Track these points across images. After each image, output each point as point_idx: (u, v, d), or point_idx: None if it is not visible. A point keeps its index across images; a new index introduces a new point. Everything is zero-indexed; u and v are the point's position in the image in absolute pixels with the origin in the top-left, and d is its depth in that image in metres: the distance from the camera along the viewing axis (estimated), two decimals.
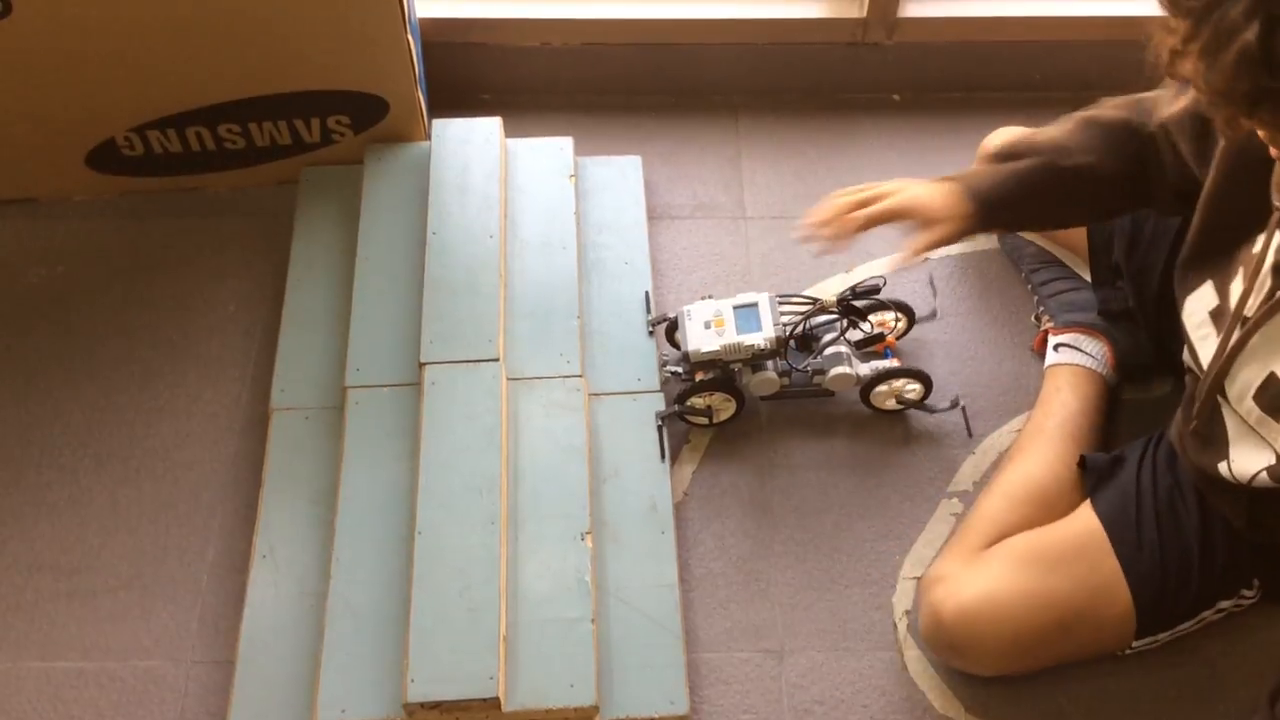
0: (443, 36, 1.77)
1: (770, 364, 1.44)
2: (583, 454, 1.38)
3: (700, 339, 1.43)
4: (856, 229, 1.27)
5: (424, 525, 1.29)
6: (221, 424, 1.48)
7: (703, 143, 1.81)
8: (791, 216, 1.70)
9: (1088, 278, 1.50)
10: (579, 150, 1.70)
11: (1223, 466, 1.14)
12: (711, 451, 1.47)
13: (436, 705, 1.17)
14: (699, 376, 1.44)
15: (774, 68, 1.84)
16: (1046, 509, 1.31)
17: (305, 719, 1.22)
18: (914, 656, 1.31)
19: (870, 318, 1.48)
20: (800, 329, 1.44)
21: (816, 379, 1.44)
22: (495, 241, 1.55)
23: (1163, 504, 1.24)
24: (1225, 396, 1.11)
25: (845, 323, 1.45)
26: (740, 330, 1.42)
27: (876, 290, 1.46)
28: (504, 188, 1.62)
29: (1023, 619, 1.21)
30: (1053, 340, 1.48)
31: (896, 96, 1.87)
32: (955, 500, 1.42)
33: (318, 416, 1.45)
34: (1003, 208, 1.25)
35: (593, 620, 1.25)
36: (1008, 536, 1.28)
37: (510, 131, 1.68)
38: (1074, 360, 1.45)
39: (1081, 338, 1.45)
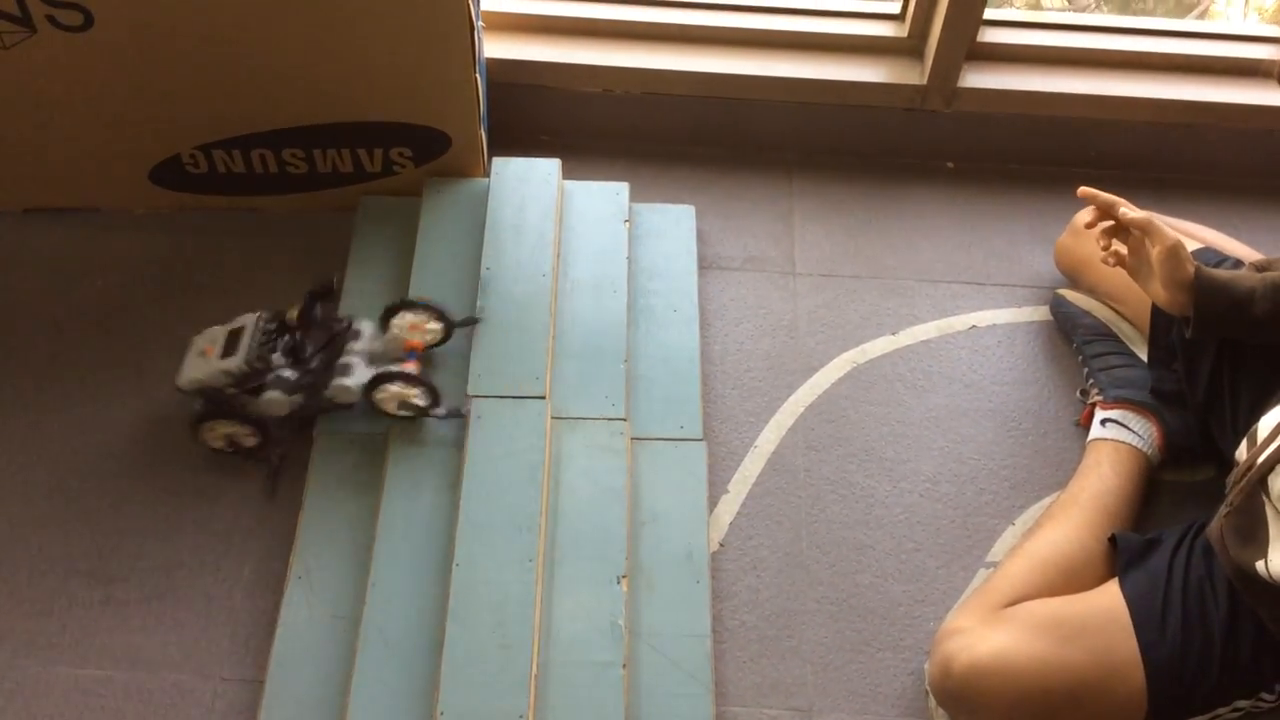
0: (507, 77, 1.79)
1: (276, 385, 1.40)
2: (622, 497, 1.39)
3: (190, 368, 1.41)
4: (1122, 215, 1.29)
5: (462, 558, 1.29)
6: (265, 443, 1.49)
7: (756, 197, 1.82)
8: (840, 275, 1.71)
9: (1140, 354, 1.50)
10: (633, 196, 1.72)
11: (1260, 565, 1.13)
12: (750, 502, 1.47)
13: None
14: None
15: (830, 128, 1.86)
16: (1070, 578, 1.30)
17: None
18: None
19: (399, 320, 1.46)
20: (284, 346, 1.42)
21: (326, 395, 1.42)
22: (547, 280, 1.56)
23: (1192, 593, 1.23)
24: (1269, 494, 1.10)
25: (347, 334, 1.44)
26: (223, 355, 1.40)
27: (330, 289, 1.46)
28: (559, 228, 1.63)
29: (1033, 683, 1.20)
30: (1100, 414, 1.47)
31: (950, 164, 1.88)
32: (992, 570, 1.41)
33: (361, 441, 1.45)
34: (1221, 294, 1.25)
35: (624, 665, 1.25)
36: (1028, 599, 1.28)
37: (567, 173, 1.70)
38: (1119, 436, 1.44)
39: (1130, 415, 1.45)
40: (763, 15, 1.83)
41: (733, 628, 1.36)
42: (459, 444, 1.41)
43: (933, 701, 1.30)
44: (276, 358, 1.41)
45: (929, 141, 1.86)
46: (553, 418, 1.44)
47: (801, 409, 1.56)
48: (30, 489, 1.44)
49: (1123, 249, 1.32)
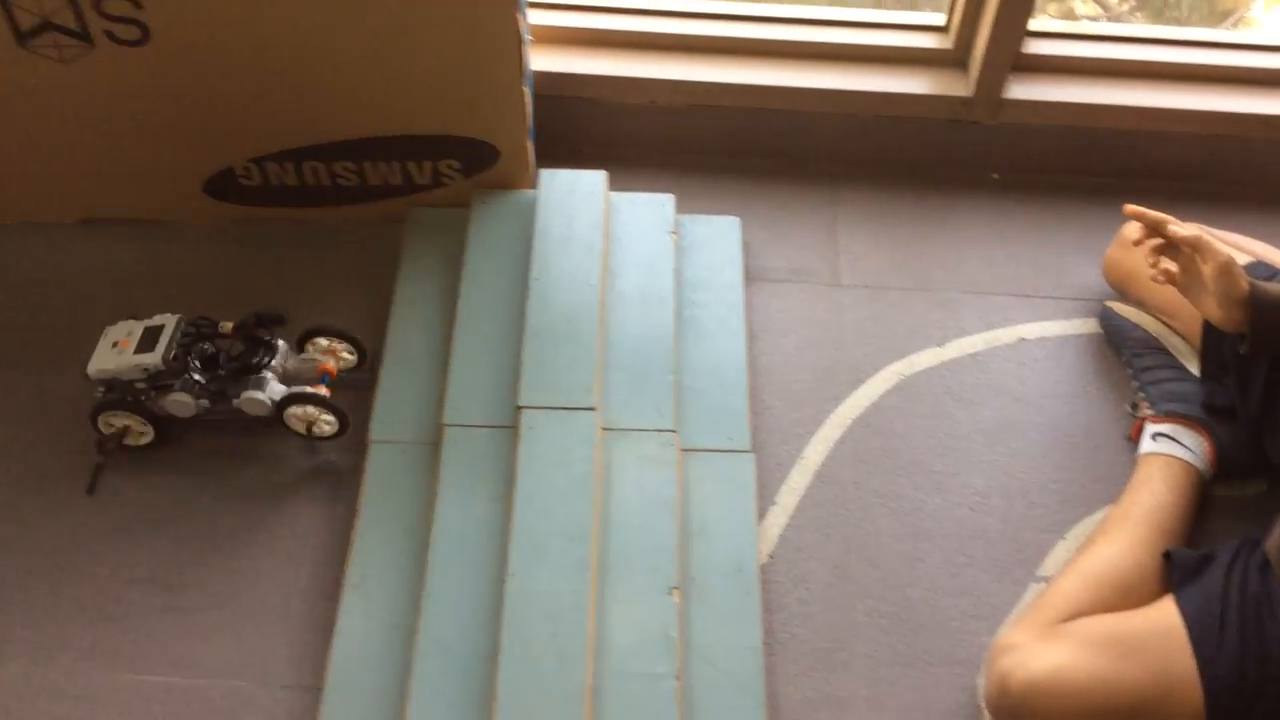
0: (553, 90, 1.81)
1: (185, 387, 1.43)
2: (673, 508, 1.39)
3: (102, 358, 1.44)
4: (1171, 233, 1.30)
5: (515, 568, 1.30)
6: (320, 453, 1.51)
7: (801, 208, 1.83)
8: (886, 287, 1.72)
9: (1191, 367, 1.50)
10: (679, 208, 1.73)
11: None
12: (799, 514, 1.47)
13: None
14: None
15: (875, 139, 1.86)
16: (1124, 595, 1.30)
17: None
18: None
19: (318, 342, 1.51)
20: (201, 352, 1.45)
21: (234, 403, 1.45)
22: (595, 292, 1.57)
23: (1249, 610, 1.23)
24: None
25: (264, 350, 1.47)
26: (138, 350, 1.43)
27: (280, 320, 1.48)
28: (606, 239, 1.65)
29: (1089, 701, 1.20)
30: (1151, 429, 1.47)
31: (996, 175, 1.88)
32: (1044, 585, 1.41)
33: (414, 451, 1.47)
34: (1276, 309, 1.26)
35: (677, 677, 1.26)
36: (1082, 616, 1.28)
37: (613, 185, 1.71)
38: (1170, 451, 1.44)
39: (1181, 429, 1.45)
40: (807, 28, 1.83)
41: (784, 640, 1.37)
42: (509, 455, 1.42)
43: (987, 717, 1.30)
44: (193, 363, 1.44)
45: (974, 153, 1.86)
46: (602, 429, 1.45)
47: (849, 421, 1.57)
48: (91, 498, 1.46)
49: (1172, 266, 1.32)
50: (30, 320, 1.64)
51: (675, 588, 1.32)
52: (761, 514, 1.47)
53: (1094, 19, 2.49)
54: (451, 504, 1.39)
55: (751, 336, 1.64)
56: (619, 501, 1.39)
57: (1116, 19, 2.53)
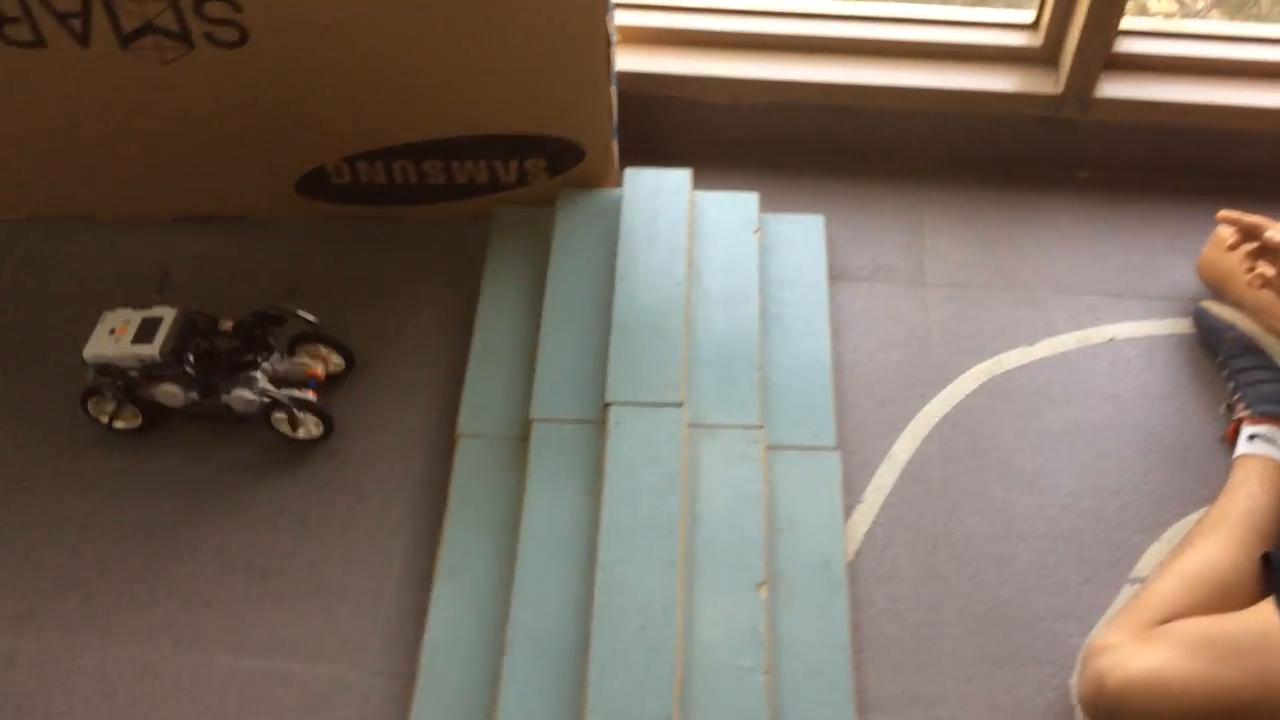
0: (637, 89, 1.82)
1: (178, 379, 1.46)
2: (760, 504, 1.40)
3: (99, 343, 1.46)
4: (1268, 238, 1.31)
5: (605, 561, 1.31)
6: (409, 445, 1.53)
7: (885, 206, 1.82)
8: (973, 286, 1.71)
9: None
10: (763, 206, 1.73)
11: None
12: (886, 512, 1.47)
13: None
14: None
15: (961, 137, 1.85)
16: (1221, 597, 1.28)
17: None
18: None
19: (306, 348, 1.54)
20: (197, 347, 1.47)
21: (224, 398, 1.46)
22: (681, 290, 1.58)
23: None
24: None
25: (259, 349, 1.49)
26: (136, 340, 1.44)
27: (279, 319, 1.50)
28: (690, 238, 1.65)
29: (1189, 703, 1.18)
30: (1247, 430, 1.45)
31: (1084, 173, 1.86)
32: (1138, 587, 1.39)
33: (502, 445, 1.49)
34: None
35: (766, 672, 1.26)
36: (1179, 618, 1.26)
37: (697, 184, 1.72)
38: (1267, 453, 1.42)
39: (1278, 431, 1.42)
40: (893, 25, 1.83)
41: (872, 637, 1.36)
42: (597, 450, 1.43)
43: (1079, 717, 1.29)
44: (188, 356, 1.47)
45: (1062, 151, 1.84)
46: (689, 425, 1.46)
47: (936, 420, 1.56)
48: (189, 485, 1.50)
49: (1269, 270, 1.30)
50: None
51: (763, 583, 1.33)
52: (848, 511, 1.46)
53: (1169, 16, 2.45)
54: (540, 497, 1.40)
55: (836, 335, 1.64)
56: (706, 497, 1.40)
57: (1193, 16, 2.49)
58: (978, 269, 1.73)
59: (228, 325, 1.51)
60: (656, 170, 1.72)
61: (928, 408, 1.57)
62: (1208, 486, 1.46)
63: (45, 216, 1.80)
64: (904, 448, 1.53)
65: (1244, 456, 1.44)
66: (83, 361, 1.48)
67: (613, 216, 1.68)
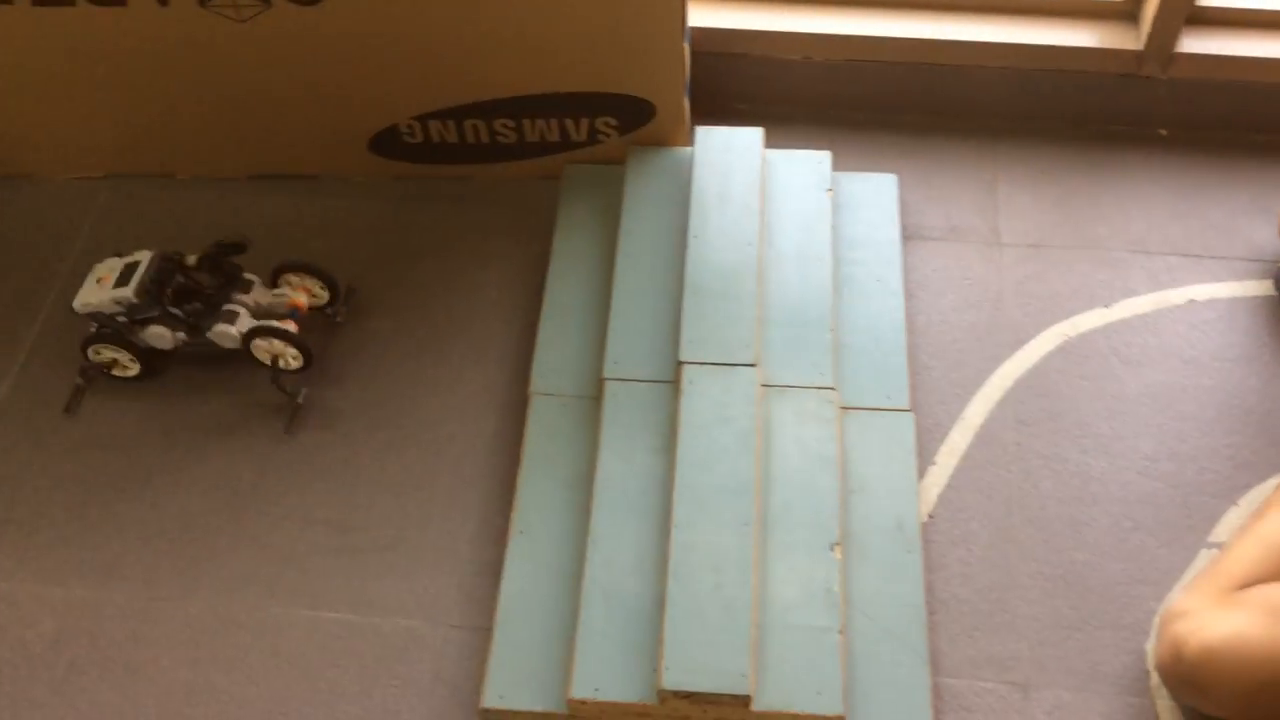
0: (707, 46, 1.81)
1: (162, 320, 1.48)
2: (833, 465, 1.40)
3: (86, 292, 1.49)
4: None
5: (680, 519, 1.32)
6: (482, 403, 1.55)
7: (959, 165, 1.80)
8: (1049, 245, 1.68)
9: None
10: (835, 165, 1.71)
11: None
12: (959, 475, 1.46)
13: (689, 695, 1.20)
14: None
15: (1038, 94, 1.82)
16: None
17: (558, 693, 1.26)
18: (1167, 706, 1.28)
19: (290, 279, 1.56)
20: (174, 285, 1.49)
21: (208, 337, 1.48)
22: (753, 249, 1.57)
23: None
24: None
25: (234, 282, 1.51)
26: (116, 285, 1.47)
27: (241, 247, 1.51)
28: (762, 197, 1.64)
29: (1266, 669, 1.17)
30: None
31: (1164, 131, 1.83)
32: (1215, 551, 1.38)
33: (574, 404, 1.49)
34: None
35: (840, 631, 1.26)
36: (1259, 583, 1.24)
37: (768, 142, 1.71)
38: None
39: None
40: None
41: (945, 599, 1.36)
42: (670, 409, 1.44)
43: (1155, 680, 1.28)
44: (164, 295, 1.49)
45: (1143, 108, 1.81)
46: (762, 385, 1.45)
47: (1010, 382, 1.55)
48: (268, 441, 1.53)
49: None
50: None
51: (836, 544, 1.33)
52: (921, 473, 1.46)
53: None
54: (613, 455, 1.41)
55: (909, 295, 1.63)
56: (779, 457, 1.40)
57: None
58: (1054, 229, 1.71)
59: (192, 260, 1.54)
60: (728, 129, 1.71)
61: (1002, 369, 1.56)
62: None
63: (123, 175, 1.83)
64: (978, 410, 1.52)
65: None
66: (74, 312, 1.52)
67: (683, 175, 1.68)
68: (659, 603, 1.28)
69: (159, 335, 1.51)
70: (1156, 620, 1.32)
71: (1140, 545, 1.40)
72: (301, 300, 1.55)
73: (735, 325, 1.49)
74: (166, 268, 1.52)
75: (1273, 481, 1.43)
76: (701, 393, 1.43)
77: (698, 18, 1.79)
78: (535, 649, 1.30)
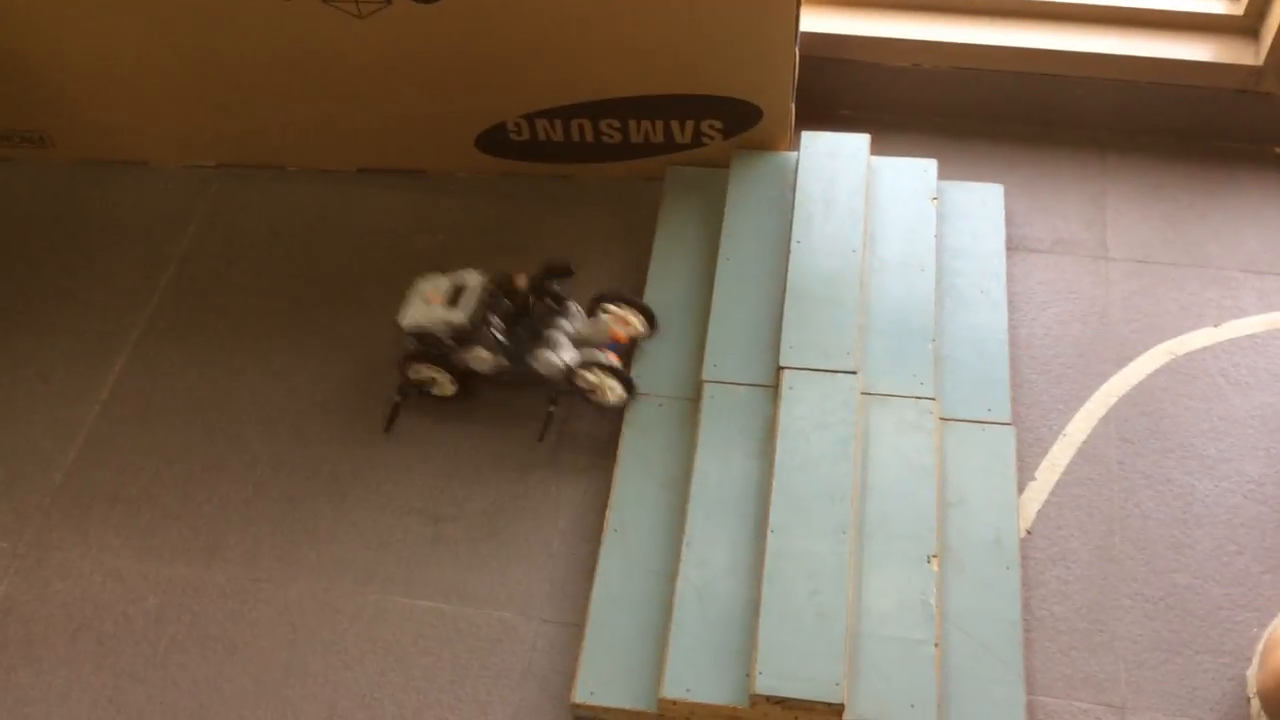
0: (814, 51, 1.80)
1: (487, 343, 1.46)
2: (932, 476, 1.38)
3: (414, 311, 1.47)
4: None
5: (776, 524, 1.32)
6: (578, 401, 1.55)
7: (1067, 177, 1.77)
8: (1157, 261, 1.65)
9: None
10: (940, 173, 1.70)
11: None
12: (1059, 491, 1.44)
13: (781, 701, 1.20)
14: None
15: (1150, 107, 1.78)
16: None
17: (649, 690, 1.26)
18: None
19: (610, 309, 1.51)
20: (498, 309, 1.47)
21: (529, 363, 1.45)
22: (856, 256, 1.57)
23: None
24: None
25: (558, 311, 1.48)
26: (447, 305, 1.45)
27: (567, 271, 1.48)
28: (867, 204, 1.63)
29: None
30: None
31: (1279, 149, 1.78)
32: None
33: (671, 405, 1.50)
34: None
35: (935, 644, 1.25)
36: None
37: (873, 149, 1.70)
38: None
39: None
40: None
41: (1041, 617, 1.35)
42: (769, 413, 1.44)
43: (1255, 707, 1.26)
44: (495, 319, 1.48)
45: (1258, 125, 1.76)
46: (862, 393, 1.45)
47: (1114, 399, 1.52)
48: (368, 429, 1.55)
49: None
50: (313, 261, 1.74)
51: (934, 555, 1.32)
52: (1020, 488, 1.44)
53: None
54: (710, 458, 1.41)
55: (1012, 307, 1.61)
56: (877, 466, 1.39)
57: None
58: (1163, 245, 1.68)
59: (522, 281, 1.52)
60: (834, 134, 1.70)
61: (1106, 386, 1.53)
62: None
63: (234, 165, 1.87)
64: (1080, 426, 1.50)
65: None
66: (399, 328, 1.51)
67: (787, 180, 1.67)
68: (753, 607, 1.28)
69: (480, 358, 1.49)
70: (1260, 646, 1.29)
71: (1244, 570, 1.37)
72: (621, 333, 1.53)
73: (837, 332, 1.49)
74: (496, 292, 1.51)
75: None
76: (801, 398, 1.43)
77: (806, 23, 1.78)
78: (627, 647, 1.31)
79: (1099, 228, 1.71)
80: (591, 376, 1.47)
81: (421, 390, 1.55)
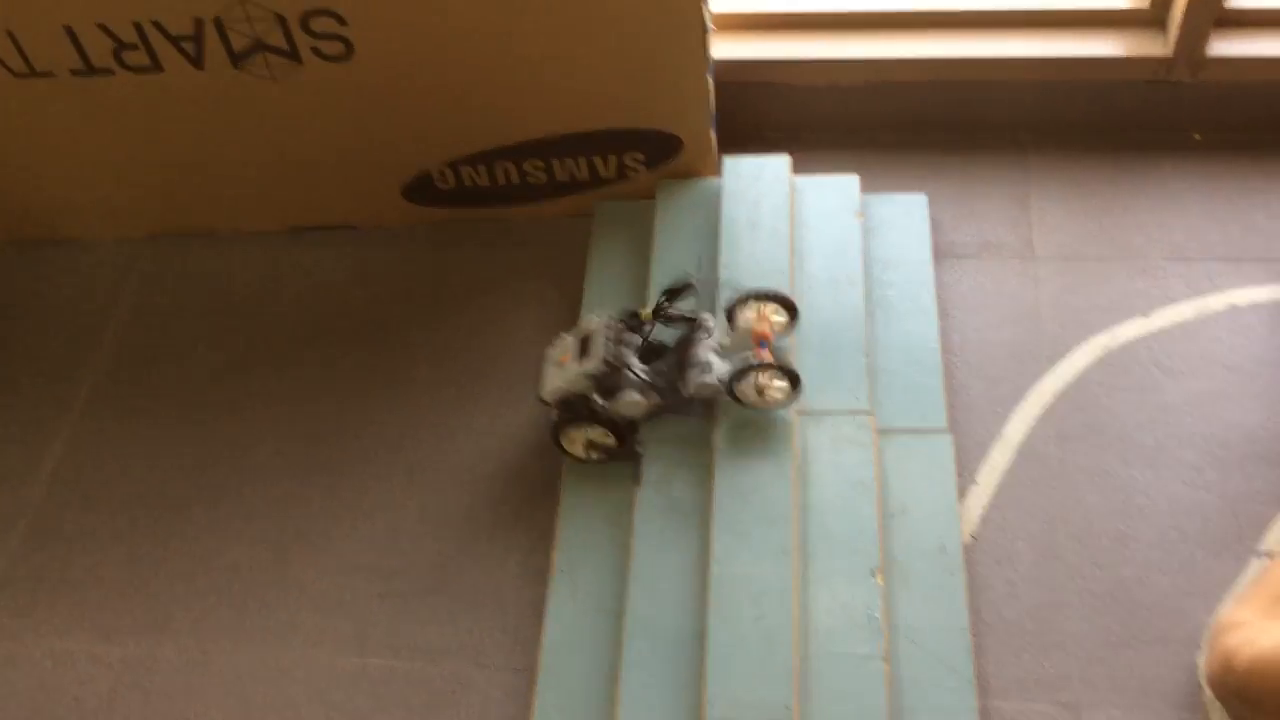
0: (733, 76, 1.81)
1: (632, 385, 1.40)
2: (871, 490, 1.39)
3: (550, 378, 1.43)
4: None
5: (719, 552, 1.32)
6: (520, 443, 1.56)
7: (989, 181, 1.79)
8: (1085, 257, 1.67)
9: None
10: (864, 187, 1.71)
11: None
12: (1001, 494, 1.45)
13: None
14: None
15: (1067, 105, 1.81)
16: None
17: None
18: None
19: (745, 312, 1.44)
20: (632, 345, 1.42)
21: (686, 392, 1.41)
22: (784, 277, 1.58)
23: None
24: None
25: (695, 328, 1.43)
26: (578, 359, 1.41)
27: (689, 288, 1.44)
28: (792, 224, 1.64)
29: None
30: None
31: (1198, 136, 1.80)
32: (1266, 560, 1.35)
33: None
34: None
35: (884, 659, 1.25)
36: None
37: (796, 169, 1.71)
38: None
39: None
40: None
41: (991, 621, 1.35)
42: (707, 440, 1.44)
43: (1208, 695, 1.26)
44: (631, 358, 1.42)
45: (1174, 114, 1.79)
46: (798, 412, 1.45)
47: (1050, 397, 1.53)
48: (311, 491, 1.55)
49: None
50: (249, 325, 1.74)
51: (877, 569, 1.32)
52: (961, 494, 1.45)
53: None
54: (651, 490, 1.42)
55: (943, 314, 1.62)
56: (817, 484, 1.40)
57: None
58: (1089, 240, 1.69)
59: (647, 314, 1.47)
60: (755, 158, 1.72)
61: (1041, 385, 1.54)
62: None
63: (165, 234, 1.87)
64: (1017, 427, 1.51)
65: None
66: (543, 402, 1.45)
67: (713, 206, 1.69)
68: (701, 637, 1.27)
69: (631, 403, 1.41)
70: (1207, 633, 1.30)
71: (1189, 557, 1.37)
72: (765, 329, 1.43)
73: None
74: (622, 328, 1.46)
75: None
76: (736, 423, 1.43)
77: (721, 49, 1.80)
78: (580, 688, 1.30)
79: (1024, 228, 1.72)
80: (752, 381, 1.41)
81: (585, 459, 1.47)
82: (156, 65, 1.57)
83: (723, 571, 1.30)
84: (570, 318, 1.64)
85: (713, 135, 1.71)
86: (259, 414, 1.63)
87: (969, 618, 1.32)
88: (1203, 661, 1.28)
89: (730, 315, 1.47)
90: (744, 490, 1.37)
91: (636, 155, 1.72)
